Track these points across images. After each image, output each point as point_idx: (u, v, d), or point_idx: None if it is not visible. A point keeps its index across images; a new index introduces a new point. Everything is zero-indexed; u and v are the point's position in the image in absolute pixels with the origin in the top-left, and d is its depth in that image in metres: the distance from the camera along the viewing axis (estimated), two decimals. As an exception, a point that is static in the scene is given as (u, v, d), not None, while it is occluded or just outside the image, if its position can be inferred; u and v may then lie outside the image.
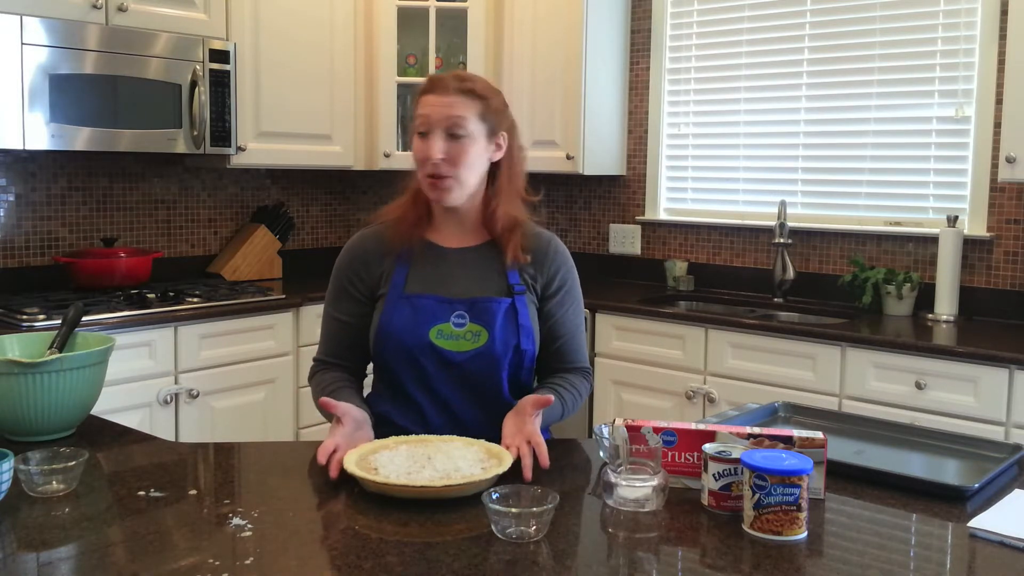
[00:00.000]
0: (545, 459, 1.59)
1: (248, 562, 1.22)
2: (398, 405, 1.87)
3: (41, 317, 2.87)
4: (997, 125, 3.17)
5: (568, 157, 3.99)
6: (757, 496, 1.32)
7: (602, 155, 4.11)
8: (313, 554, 1.26)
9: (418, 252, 1.89)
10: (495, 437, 1.67)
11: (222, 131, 3.45)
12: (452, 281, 1.87)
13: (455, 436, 1.65)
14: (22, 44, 2.92)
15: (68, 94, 3.03)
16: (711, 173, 4.05)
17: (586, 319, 3.60)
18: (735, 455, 1.41)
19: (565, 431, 3.69)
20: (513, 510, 1.31)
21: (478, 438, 1.64)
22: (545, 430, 1.93)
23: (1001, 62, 3.21)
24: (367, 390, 1.96)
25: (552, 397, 1.70)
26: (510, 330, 1.84)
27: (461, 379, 1.83)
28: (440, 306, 1.82)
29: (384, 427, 1.82)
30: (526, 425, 1.66)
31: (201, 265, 3.90)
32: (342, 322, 1.93)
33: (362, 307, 1.91)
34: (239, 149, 3.55)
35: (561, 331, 1.93)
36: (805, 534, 1.33)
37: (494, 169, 1.89)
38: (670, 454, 1.52)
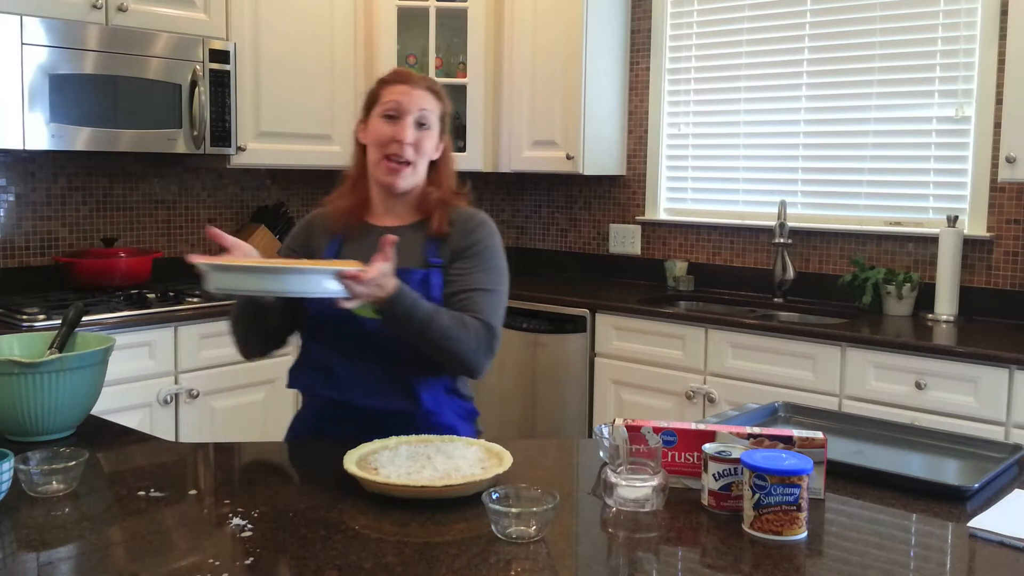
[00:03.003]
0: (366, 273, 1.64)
1: (248, 562, 1.22)
2: (316, 373, 1.90)
3: (41, 317, 2.87)
4: (997, 125, 3.17)
5: (568, 157, 3.99)
6: (757, 496, 1.32)
7: (602, 155, 4.11)
8: (313, 554, 1.26)
9: (354, 231, 1.97)
10: (408, 407, 1.83)
11: (222, 131, 3.45)
12: (374, 253, 1.88)
13: (455, 436, 1.65)
14: (22, 44, 2.91)
15: (68, 94, 3.03)
16: (711, 173, 4.05)
17: (586, 319, 3.61)
18: (735, 455, 1.41)
19: (565, 431, 3.69)
20: (513, 510, 1.31)
21: (391, 405, 1.80)
22: (472, 431, 1.96)
23: (1001, 62, 3.21)
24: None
25: (396, 238, 1.72)
26: None
27: (375, 346, 1.85)
28: None
29: (309, 399, 1.96)
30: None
31: (201, 265, 3.90)
32: None
33: None
34: (239, 149, 3.55)
35: (463, 285, 1.87)
36: (805, 534, 1.33)
37: (431, 166, 1.97)
38: (670, 454, 1.52)
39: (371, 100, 1.96)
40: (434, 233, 1.91)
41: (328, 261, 1.77)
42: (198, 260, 1.65)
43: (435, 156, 1.95)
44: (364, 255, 1.87)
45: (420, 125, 1.89)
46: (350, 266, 1.64)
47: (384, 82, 1.95)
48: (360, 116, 1.98)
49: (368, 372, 1.85)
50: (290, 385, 1.99)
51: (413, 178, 1.91)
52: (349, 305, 1.65)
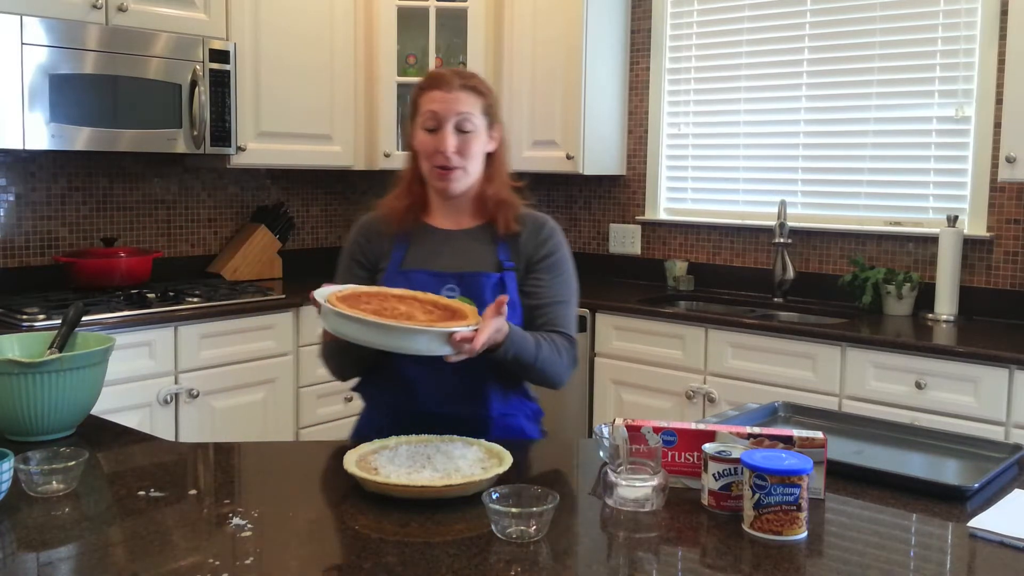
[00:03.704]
0: (478, 337, 1.63)
1: (248, 562, 1.22)
2: (389, 381, 1.90)
3: (41, 317, 2.87)
4: (997, 125, 3.17)
5: (568, 157, 3.99)
6: (757, 496, 1.32)
7: (602, 155, 4.11)
8: (313, 554, 1.26)
9: (416, 233, 1.97)
10: (481, 412, 1.86)
11: (222, 131, 3.45)
12: (445, 257, 1.93)
13: (455, 436, 1.65)
14: (22, 44, 2.92)
15: (68, 94, 3.03)
16: (711, 173, 4.05)
17: (586, 319, 3.61)
18: (735, 455, 1.41)
19: (565, 431, 3.69)
20: (513, 510, 1.31)
21: (466, 412, 1.80)
22: (536, 430, 1.98)
23: (1001, 62, 3.21)
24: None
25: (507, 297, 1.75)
26: None
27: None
28: (431, 279, 1.87)
29: (376, 404, 1.95)
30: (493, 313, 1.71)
31: (201, 265, 3.90)
32: None
33: (369, 276, 1.97)
34: (239, 149, 3.55)
35: (544, 297, 1.92)
36: (805, 534, 1.33)
37: (487, 159, 1.96)
38: (670, 454, 1.52)
39: (412, 109, 1.95)
40: (503, 235, 1.93)
41: (443, 301, 1.76)
42: (320, 295, 1.66)
43: (490, 148, 1.94)
44: (429, 258, 1.92)
45: (461, 130, 1.88)
46: (465, 323, 1.65)
47: (420, 89, 1.93)
48: (409, 123, 1.98)
49: (446, 382, 1.86)
50: (359, 390, 2.00)
51: (466, 179, 1.91)
52: (455, 359, 1.66)
